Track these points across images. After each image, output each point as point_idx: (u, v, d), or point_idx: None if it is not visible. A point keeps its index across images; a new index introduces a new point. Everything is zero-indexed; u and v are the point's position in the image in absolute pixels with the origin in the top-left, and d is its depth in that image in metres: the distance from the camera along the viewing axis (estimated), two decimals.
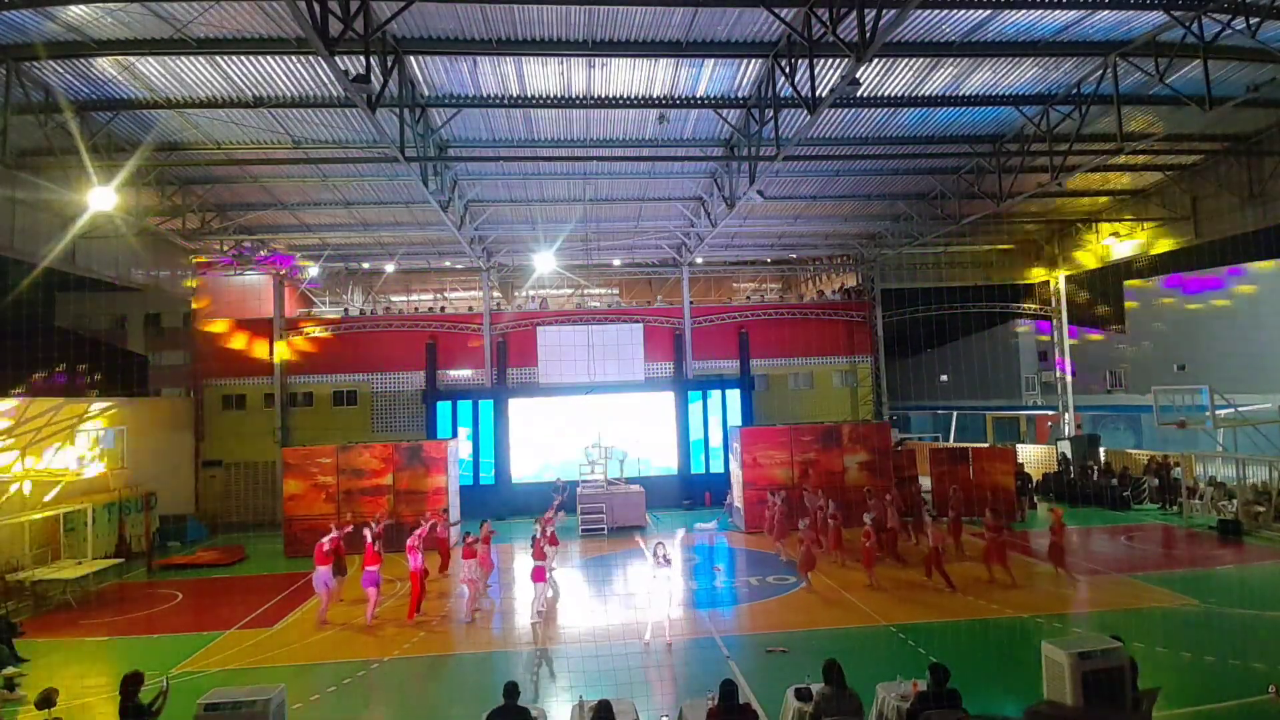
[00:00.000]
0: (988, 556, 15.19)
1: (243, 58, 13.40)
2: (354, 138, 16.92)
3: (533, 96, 15.46)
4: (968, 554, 16.87)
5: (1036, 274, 31.43)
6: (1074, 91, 16.01)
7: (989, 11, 12.80)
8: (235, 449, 26.13)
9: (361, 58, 11.10)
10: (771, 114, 14.70)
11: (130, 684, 7.68)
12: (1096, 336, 34.25)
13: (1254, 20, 12.65)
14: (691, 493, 25.89)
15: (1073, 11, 12.93)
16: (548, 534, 14.52)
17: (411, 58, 13.73)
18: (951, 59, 14.53)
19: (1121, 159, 18.93)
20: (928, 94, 16.07)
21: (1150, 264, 27.90)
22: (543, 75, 14.65)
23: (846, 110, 16.76)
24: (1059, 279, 30.93)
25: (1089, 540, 19.39)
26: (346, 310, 29.05)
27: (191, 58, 13.27)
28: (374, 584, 13.81)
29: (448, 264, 29.05)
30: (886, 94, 15.94)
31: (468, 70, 14.35)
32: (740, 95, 15.80)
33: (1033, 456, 27.76)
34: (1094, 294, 32.82)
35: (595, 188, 21.54)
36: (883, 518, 17.01)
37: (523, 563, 17.01)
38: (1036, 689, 8.28)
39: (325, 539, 14.48)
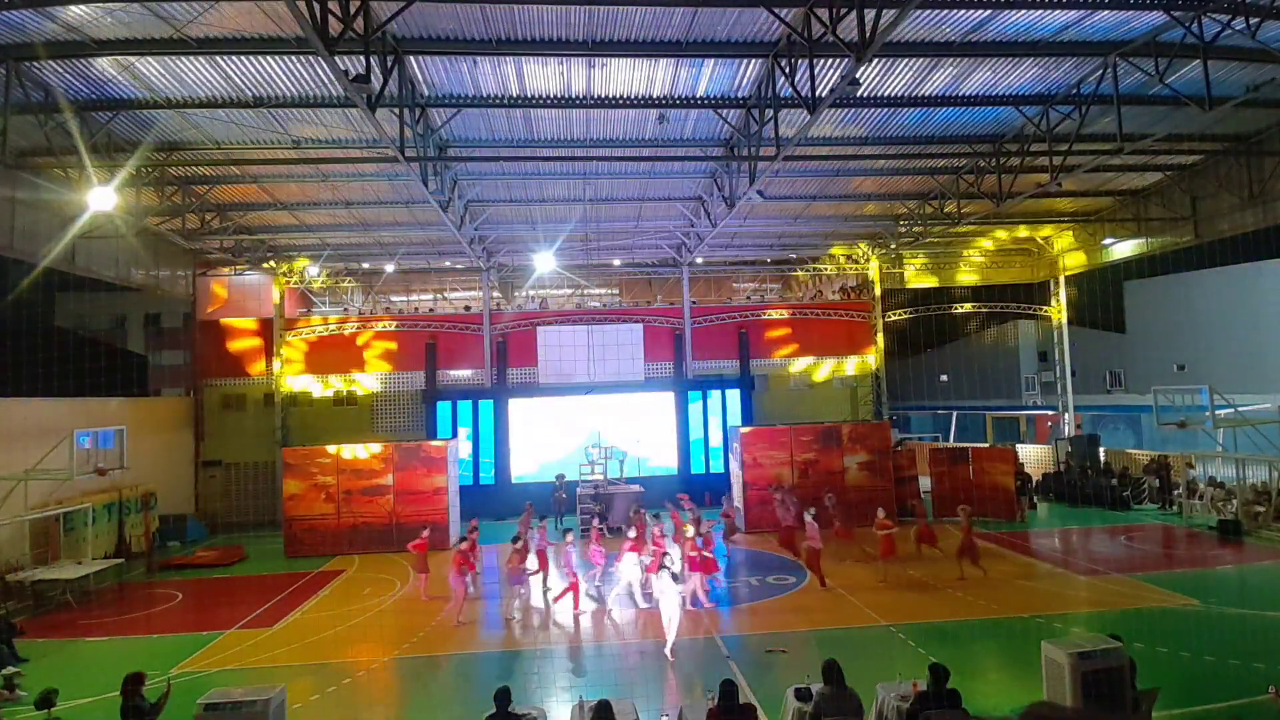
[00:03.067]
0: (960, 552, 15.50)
1: (243, 58, 13.40)
2: (354, 138, 16.92)
3: (533, 96, 15.46)
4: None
5: (1036, 274, 31.42)
6: (1074, 91, 16.01)
7: (989, 11, 12.80)
8: (235, 449, 26.13)
9: (361, 58, 11.09)
10: (771, 114, 14.69)
11: (132, 684, 7.69)
12: (1096, 336, 34.28)
13: (1254, 20, 12.66)
14: (691, 493, 25.82)
15: (1073, 11, 12.93)
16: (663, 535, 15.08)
17: (411, 58, 13.73)
18: (951, 59, 14.53)
19: (1121, 159, 18.93)
20: (928, 94, 16.07)
21: (1150, 264, 27.89)
22: (543, 75, 14.65)
23: (846, 110, 16.76)
24: (1059, 279, 30.92)
25: (1089, 540, 19.41)
26: (346, 310, 29.03)
27: (191, 58, 13.27)
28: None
29: (448, 264, 29.04)
30: (886, 94, 15.94)
31: (467, 70, 14.35)
32: (740, 95, 15.80)
33: (1032, 456, 27.76)
34: (1094, 294, 32.82)
35: (595, 188, 21.54)
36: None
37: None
38: (1036, 689, 8.28)
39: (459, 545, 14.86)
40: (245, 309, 26.98)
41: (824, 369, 28.87)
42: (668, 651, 11.56)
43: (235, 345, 26.64)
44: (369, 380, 27.09)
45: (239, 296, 27.11)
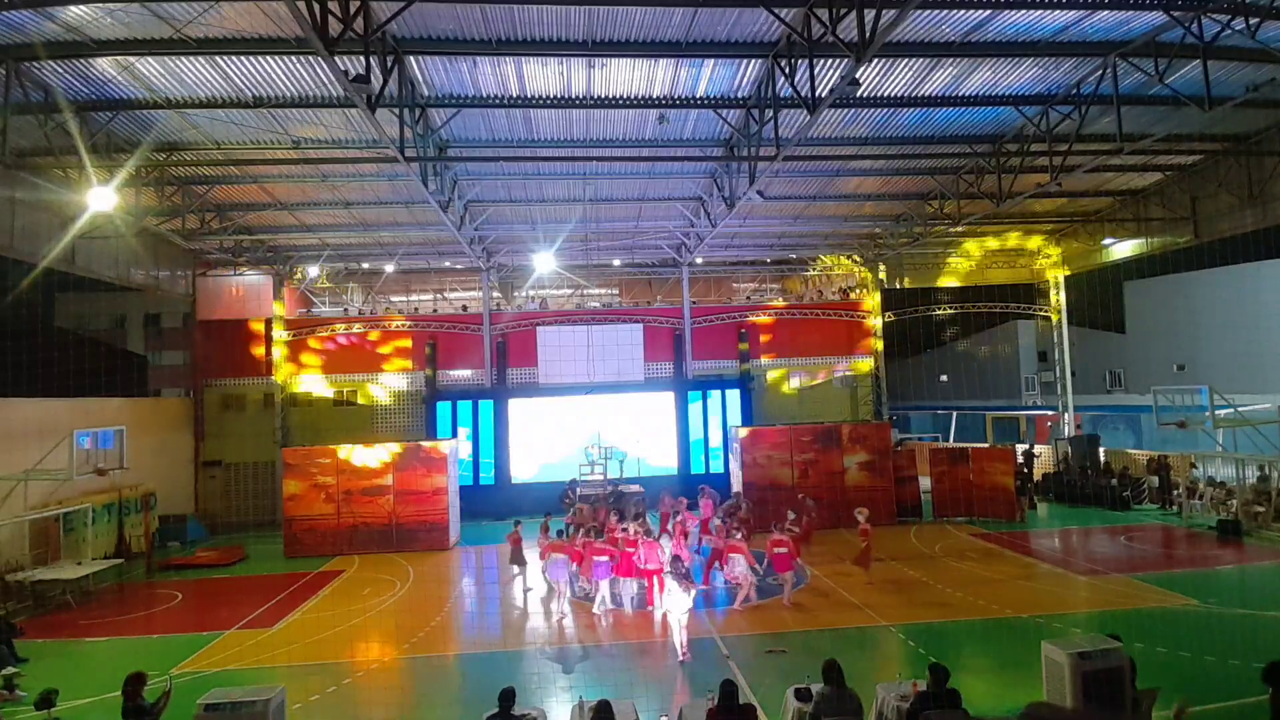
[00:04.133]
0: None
1: (243, 58, 13.41)
2: (354, 138, 16.92)
3: (533, 96, 15.47)
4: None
5: (1036, 274, 31.40)
6: (1074, 92, 16.01)
7: (989, 11, 12.81)
8: (235, 449, 26.12)
9: (361, 58, 11.10)
10: (771, 114, 14.69)
11: (133, 684, 7.68)
12: (1096, 336, 34.30)
13: (1254, 20, 12.67)
14: (691, 493, 25.82)
15: (1073, 11, 12.94)
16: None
17: (411, 58, 13.74)
18: (951, 59, 14.54)
19: (1121, 159, 18.93)
20: (927, 94, 16.07)
21: (1150, 264, 27.90)
22: (543, 75, 14.66)
23: (846, 110, 16.76)
24: (1059, 279, 30.92)
25: (1089, 540, 19.41)
26: (346, 310, 29.04)
27: (191, 58, 13.27)
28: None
29: (448, 264, 29.03)
30: (886, 94, 15.94)
31: (467, 70, 14.36)
32: (740, 95, 15.80)
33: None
34: (1094, 294, 32.82)
35: (595, 188, 21.54)
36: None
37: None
38: (1036, 689, 8.28)
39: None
40: (245, 309, 26.96)
41: (824, 369, 28.86)
42: (681, 655, 11.30)
43: (235, 346, 26.60)
44: (369, 380, 27.07)
45: (239, 297, 27.10)
